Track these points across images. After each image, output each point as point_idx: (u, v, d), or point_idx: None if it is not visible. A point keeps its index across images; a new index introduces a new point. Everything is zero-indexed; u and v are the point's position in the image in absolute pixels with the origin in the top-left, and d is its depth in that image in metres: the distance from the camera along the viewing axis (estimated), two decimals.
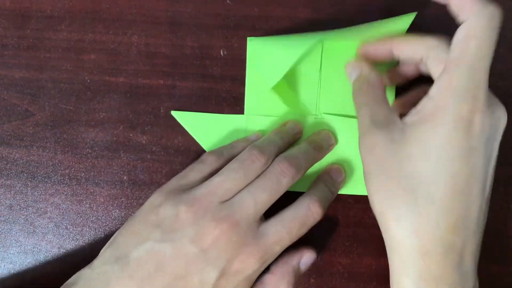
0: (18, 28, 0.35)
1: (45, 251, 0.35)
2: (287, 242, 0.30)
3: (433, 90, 0.27)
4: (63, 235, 0.35)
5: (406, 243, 0.26)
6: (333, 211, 0.35)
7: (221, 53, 0.35)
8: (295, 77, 0.34)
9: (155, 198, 0.30)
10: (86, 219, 0.35)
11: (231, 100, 0.35)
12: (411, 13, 0.31)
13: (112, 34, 0.35)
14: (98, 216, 0.35)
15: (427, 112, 0.26)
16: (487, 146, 0.26)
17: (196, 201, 0.29)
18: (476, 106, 0.25)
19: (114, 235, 0.30)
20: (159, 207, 0.29)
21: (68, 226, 0.35)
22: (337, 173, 0.34)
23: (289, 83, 0.34)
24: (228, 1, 0.35)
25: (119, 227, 0.32)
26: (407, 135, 0.27)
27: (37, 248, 0.35)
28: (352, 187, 0.34)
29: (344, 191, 0.34)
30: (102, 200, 0.35)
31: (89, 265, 0.29)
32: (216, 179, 0.29)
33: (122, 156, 0.35)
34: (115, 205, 0.35)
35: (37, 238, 0.35)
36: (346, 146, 0.34)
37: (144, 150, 0.35)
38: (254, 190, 0.29)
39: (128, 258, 0.28)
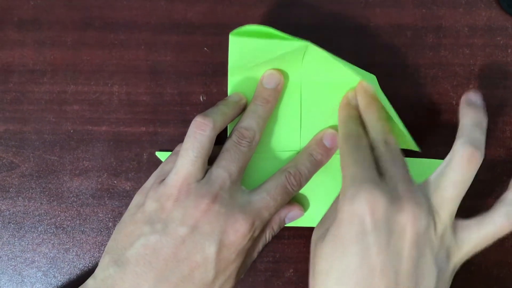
0: (1, 83, 0.36)
1: None
2: (273, 209, 0.31)
3: None
4: (51, 284, 0.35)
5: None
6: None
7: (201, 99, 0.36)
8: (276, 117, 0.35)
9: (138, 199, 0.31)
10: (74, 267, 0.35)
11: None
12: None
13: (94, 85, 0.36)
14: (85, 263, 0.35)
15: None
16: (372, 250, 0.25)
17: (175, 188, 0.29)
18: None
19: (108, 243, 0.31)
20: (143, 206, 0.30)
21: (56, 275, 0.35)
22: (328, 137, 0.33)
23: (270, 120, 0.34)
24: (205, 48, 0.36)
25: None
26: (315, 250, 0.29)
27: None
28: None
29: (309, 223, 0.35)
30: (89, 247, 0.35)
31: (91, 276, 0.30)
32: (178, 162, 0.30)
33: (107, 203, 0.36)
34: (102, 251, 0.35)
35: None
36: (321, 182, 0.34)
37: (128, 196, 0.35)
38: (223, 164, 0.30)
39: (126, 257, 0.29)
